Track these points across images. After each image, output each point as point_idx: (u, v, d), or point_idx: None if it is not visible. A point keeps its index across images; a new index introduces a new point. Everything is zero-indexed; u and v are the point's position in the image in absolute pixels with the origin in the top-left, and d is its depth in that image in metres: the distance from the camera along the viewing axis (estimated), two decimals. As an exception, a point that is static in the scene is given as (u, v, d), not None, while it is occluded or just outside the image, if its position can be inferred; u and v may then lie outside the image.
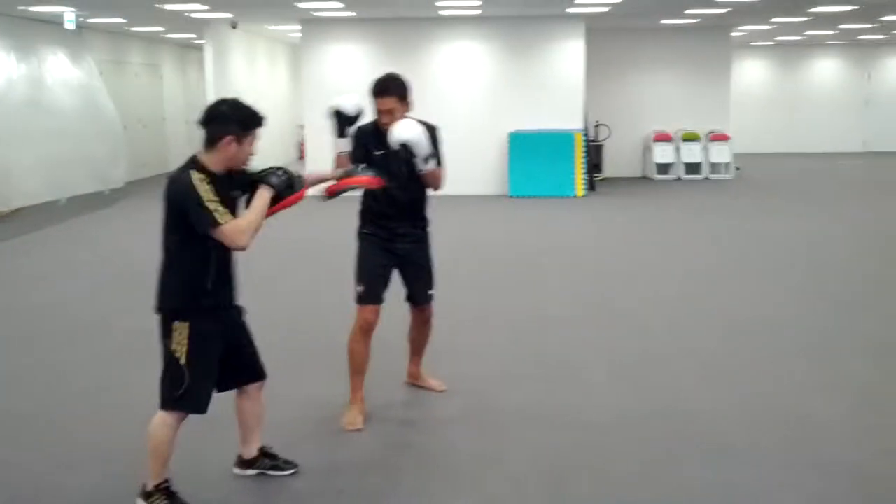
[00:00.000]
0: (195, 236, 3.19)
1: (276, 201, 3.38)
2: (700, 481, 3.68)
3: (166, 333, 3.27)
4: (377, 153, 4.18)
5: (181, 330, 3.24)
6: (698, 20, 14.99)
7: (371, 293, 4.28)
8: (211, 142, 3.26)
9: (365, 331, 4.26)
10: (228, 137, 3.23)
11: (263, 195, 3.33)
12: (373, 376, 4.45)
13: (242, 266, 3.61)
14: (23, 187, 12.12)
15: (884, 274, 7.97)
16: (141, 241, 9.91)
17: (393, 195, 4.24)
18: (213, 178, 3.22)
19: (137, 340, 5.82)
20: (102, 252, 9.41)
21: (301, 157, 18.45)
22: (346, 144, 4.29)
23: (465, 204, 12.92)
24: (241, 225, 3.21)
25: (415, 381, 4.82)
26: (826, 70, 22.78)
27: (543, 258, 8.74)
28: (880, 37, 20.32)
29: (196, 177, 3.17)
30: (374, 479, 3.72)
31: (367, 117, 4.37)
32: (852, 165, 19.08)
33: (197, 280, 3.27)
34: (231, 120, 3.26)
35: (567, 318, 6.40)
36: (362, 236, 4.40)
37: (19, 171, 12.02)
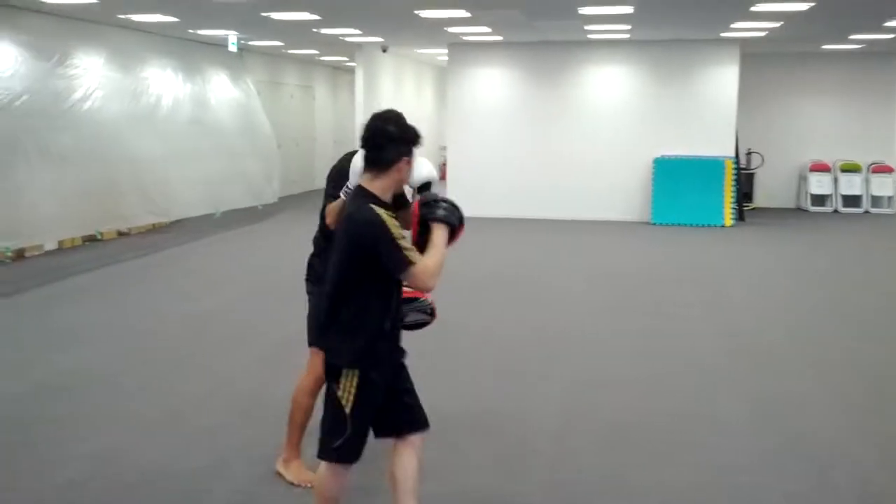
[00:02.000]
0: (379, 277, 2.90)
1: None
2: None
3: (334, 378, 2.98)
4: None
5: (351, 378, 2.93)
6: (863, 46, 14.22)
7: None
8: (386, 166, 2.93)
9: (319, 385, 3.68)
10: (405, 160, 2.96)
11: (441, 232, 2.97)
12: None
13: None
14: (182, 200, 12.83)
15: None
16: (291, 253, 10.30)
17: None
18: (390, 209, 2.92)
19: (284, 349, 6.04)
20: (254, 263, 9.81)
21: (442, 177, 18.71)
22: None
23: (604, 230, 12.71)
24: (430, 266, 2.88)
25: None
26: None
27: (683, 289, 8.44)
28: None
29: (382, 213, 2.86)
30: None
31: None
32: None
33: (376, 323, 2.95)
34: (403, 140, 2.95)
35: (701, 350, 6.15)
36: (312, 275, 3.87)
37: (180, 185, 12.74)
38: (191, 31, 12.48)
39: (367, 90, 14.98)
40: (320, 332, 3.14)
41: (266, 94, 16.00)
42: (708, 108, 13.75)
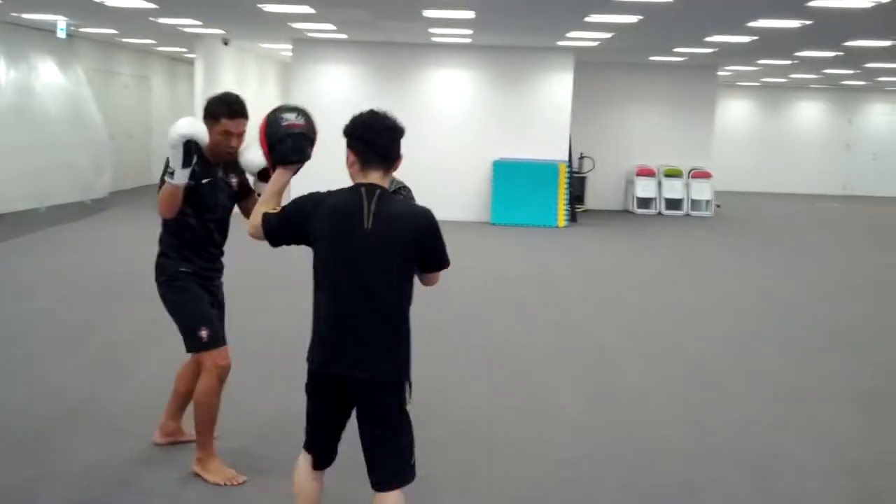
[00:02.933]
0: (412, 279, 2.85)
1: None
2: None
3: (395, 393, 2.78)
4: (205, 181, 3.74)
5: (410, 391, 2.83)
6: (686, 58, 15.19)
7: (218, 335, 3.81)
8: (396, 161, 2.90)
9: (223, 380, 3.80)
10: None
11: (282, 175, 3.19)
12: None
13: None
14: (4, 194, 12.04)
15: (855, 318, 8.07)
16: (122, 251, 9.89)
17: (218, 228, 3.87)
18: None
19: (115, 351, 5.82)
20: (80, 261, 9.35)
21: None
22: (185, 177, 3.64)
23: (446, 229, 12.93)
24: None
25: (174, 439, 4.20)
26: (809, 113, 23.12)
27: (522, 287, 8.78)
28: (862, 83, 20.65)
29: None
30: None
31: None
32: (831, 208, 19.33)
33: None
34: (403, 135, 2.93)
35: (541, 347, 6.43)
36: (180, 274, 3.79)
37: (2, 178, 11.95)
38: (14, 14, 11.71)
39: (207, 83, 14.55)
40: (369, 355, 2.74)
41: (98, 83, 15.24)
42: (544, 114, 14.29)
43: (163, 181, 3.65)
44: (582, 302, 8.24)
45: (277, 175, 3.10)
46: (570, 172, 14.27)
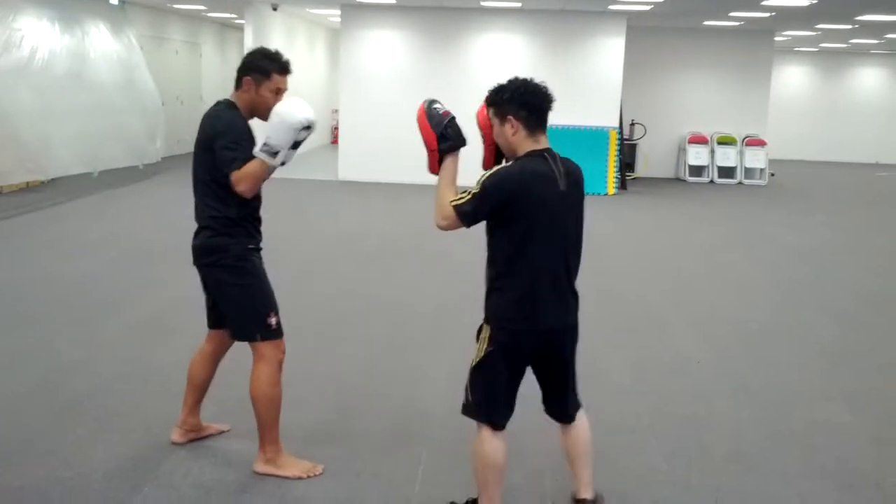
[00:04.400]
0: None
1: None
2: (720, 488, 3.67)
3: (574, 342, 3.17)
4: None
5: None
6: (742, 23, 14.83)
7: (280, 322, 3.56)
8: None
9: (281, 369, 3.55)
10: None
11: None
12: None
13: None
14: (59, 158, 12.28)
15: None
16: (173, 215, 10.05)
17: (260, 197, 3.56)
18: None
19: (167, 312, 5.93)
20: (132, 225, 9.52)
21: (334, 141, 18.54)
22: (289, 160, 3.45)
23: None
24: None
25: (196, 435, 3.88)
26: (868, 79, 22.45)
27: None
28: (926, 48, 19.98)
29: None
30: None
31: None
32: (889, 178, 18.81)
33: None
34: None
35: (587, 313, 6.39)
36: (248, 253, 3.50)
37: (57, 142, 12.18)
38: (68, -20, 11.87)
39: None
40: (570, 304, 3.10)
41: (149, 49, 15.41)
42: (595, 79, 14.08)
43: (244, 158, 3.33)
44: (629, 270, 8.16)
45: (449, 163, 3.08)
46: (621, 139, 14.08)
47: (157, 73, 15.07)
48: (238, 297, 3.49)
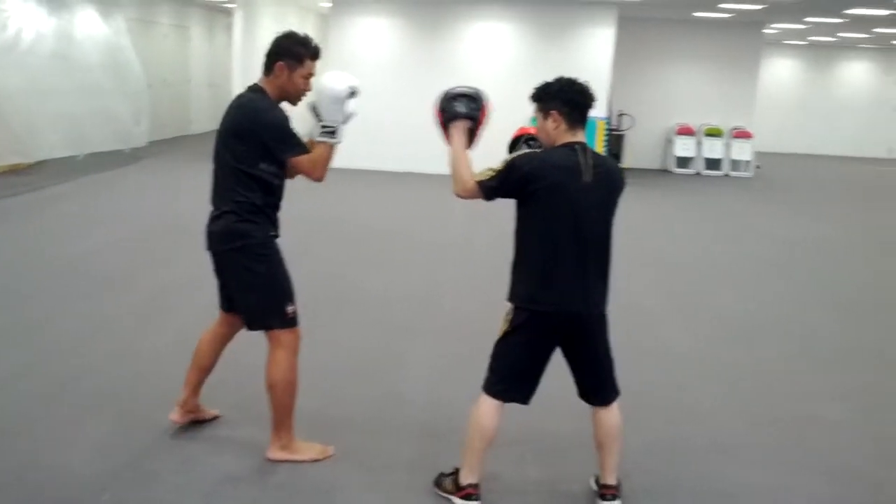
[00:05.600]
0: None
1: None
2: (702, 478, 3.71)
3: (605, 326, 3.25)
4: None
5: None
6: (732, 15, 14.85)
7: (297, 311, 3.54)
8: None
9: (297, 356, 3.54)
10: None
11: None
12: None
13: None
14: (45, 141, 12.20)
15: (891, 280, 7.96)
16: (161, 200, 10.01)
17: (283, 186, 3.53)
18: None
19: (161, 294, 5.92)
20: (120, 209, 9.48)
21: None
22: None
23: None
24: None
25: (196, 416, 3.86)
26: (856, 73, 22.54)
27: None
28: (914, 43, 20.07)
29: None
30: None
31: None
32: (874, 171, 18.93)
33: None
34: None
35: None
36: (271, 241, 3.48)
37: (43, 124, 12.09)
38: (55, -40, 11.76)
39: (245, 34, 14.54)
40: (592, 293, 3.16)
41: (137, 32, 15.29)
42: (583, 69, 13.97)
43: (300, 145, 3.39)
44: (614, 259, 8.18)
45: (453, 134, 3.35)
46: (609, 130, 14.10)
47: (145, 57, 14.96)
48: (259, 285, 3.44)
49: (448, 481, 3.33)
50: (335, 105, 3.39)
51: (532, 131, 3.52)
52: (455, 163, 3.28)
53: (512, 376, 3.21)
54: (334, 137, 3.41)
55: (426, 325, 5.73)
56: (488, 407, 3.21)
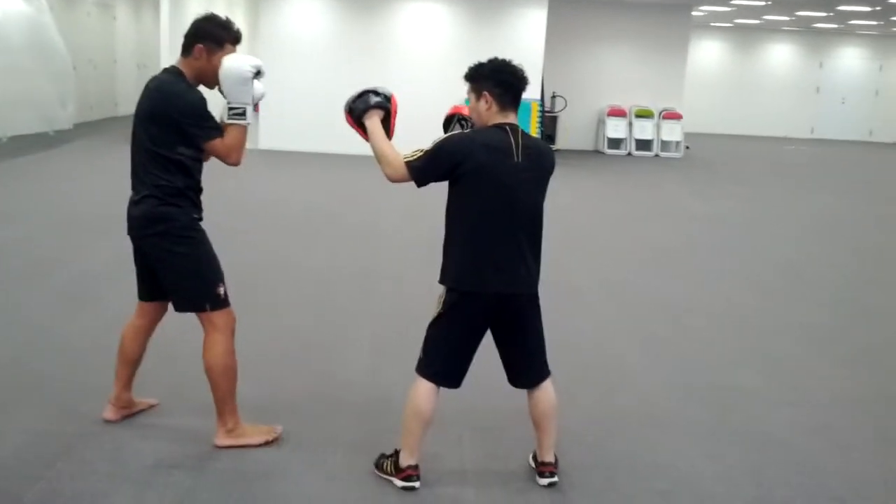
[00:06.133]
0: None
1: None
2: (636, 451, 3.81)
3: (537, 306, 3.31)
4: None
5: None
6: (660, -3, 15.09)
7: (227, 291, 3.51)
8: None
9: (233, 337, 3.52)
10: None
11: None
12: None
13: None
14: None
15: (810, 257, 8.24)
16: (87, 184, 9.76)
17: (201, 168, 3.50)
18: None
19: (86, 282, 5.79)
20: (44, 194, 9.22)
21: (256, 109, 18.19)
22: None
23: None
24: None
25: (129, 411, 3.77)
26: (780, 56, 23.16)
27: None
28: (834, 26, 20.68)
29: None
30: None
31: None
32: (799, 151, 19.49)
33: None
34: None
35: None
36: (195, 223, 3.45)
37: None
38: (-29, -65, 11.30)
39: (173, 13, 14.20)
40: (523, 273, 3.19)
41: (59, 10, 14.82)
42: (516, 51, 13.84)
43: (216, 129, 3.35)
44: (546, 239, 8.28)
45: (369, 124, 3.30)
46: (542, 111, 14.22)
47: (68, 37, 14.51)
48: (186, 268, 3.40)
49: (388, 463, 3.35)
50: (243, 86, 3.33)
51: (465, 111, 3.48)
52: (377, 145, 3.23)
53: (445, 358, 3.23)
54: (244, 119, 3.38)
55: (365, 306, 5.74)
56: (424, 389, 3.23)
